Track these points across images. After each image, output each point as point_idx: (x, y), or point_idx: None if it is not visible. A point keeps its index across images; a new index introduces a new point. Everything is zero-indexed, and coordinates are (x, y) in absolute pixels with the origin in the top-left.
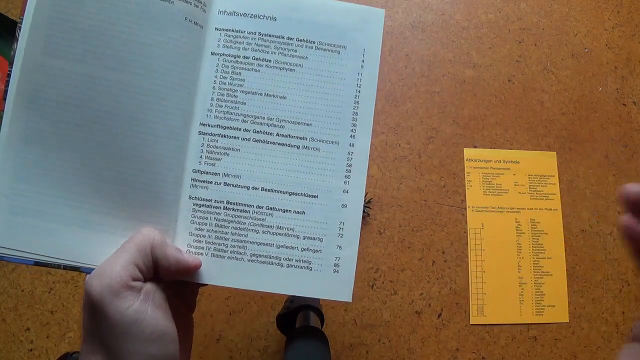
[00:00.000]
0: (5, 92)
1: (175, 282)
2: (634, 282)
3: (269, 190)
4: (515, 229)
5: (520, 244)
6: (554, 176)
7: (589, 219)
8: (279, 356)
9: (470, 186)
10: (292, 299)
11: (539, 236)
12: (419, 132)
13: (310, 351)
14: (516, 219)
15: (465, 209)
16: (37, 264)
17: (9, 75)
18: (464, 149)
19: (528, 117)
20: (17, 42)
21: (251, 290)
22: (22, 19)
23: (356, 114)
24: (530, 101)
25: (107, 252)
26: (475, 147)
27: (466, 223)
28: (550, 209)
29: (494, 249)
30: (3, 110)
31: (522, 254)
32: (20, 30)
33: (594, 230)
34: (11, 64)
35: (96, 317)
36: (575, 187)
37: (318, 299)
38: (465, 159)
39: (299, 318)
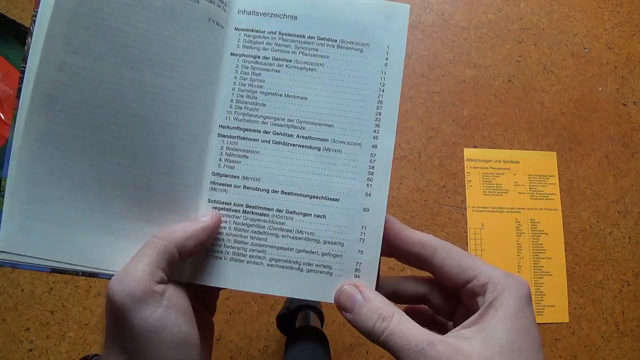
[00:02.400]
0: (19, 90)
1: (196, 287)
2: (634, 282)
3: (289, 194)
4: (515, 229)
5: (520, 244)
6: (554, 176)
7: (589, 219)
8: (279, 356)
9: (470, 186)
10: (292, 299)
11: (539, 236)
12: (419, 132)
13: (310, 351)
14: (516, 219)
15: (465, 209)
16: (54, 270)
17: (23, 73)
18: (464, 149)
19: (528, 117)
20: (32, 36)
21: (269, 295)
22: (37, 12)
23: (379, 114)
24: (530, 101)
25: (125, 257)
26: (475, 147)
27: (466, 223)
28: (550, 209)
29: (494, 249)
30: (17, 109)
31: (522, 254)
32: (34, 24)
33: (594, 230)
34: (25, 59)
35: (118, 323)
36: (575, 187)
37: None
38: (465, 159)
39: (299, 318)
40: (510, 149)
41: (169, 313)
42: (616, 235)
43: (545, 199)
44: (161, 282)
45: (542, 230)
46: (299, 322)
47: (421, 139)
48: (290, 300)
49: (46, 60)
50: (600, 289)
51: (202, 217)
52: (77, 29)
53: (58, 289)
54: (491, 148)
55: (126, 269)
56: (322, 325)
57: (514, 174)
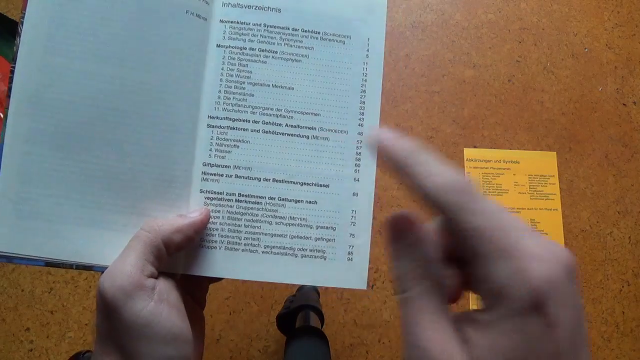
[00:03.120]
0: (9, 89)
1: (187, 279)
2: (634, 282)
3: (280, 181)
4: None
5: None
6: (554, 176)
7: (589, 219)
8: (279, 356)
9: None
10: (292, 299)
11: None
12: (419, 132)
13: (310, 351)
14: None
15: None
16: (48, 264)
17: (12, 72)
18: (464, 149)
19: (528, 117)
20: (20, 37)
21: (265, 282)
22: (24, 14)
23: (363, 102)
24: (530, 101)
25: (119, 250)
26: (475, 147)
27: None
28: (550, 209)
29: None
30: (7, 108)
31: None
32: (22, 25)
33: (594, 230)
34: (14, 59)
35: (110, 318)
36: (575, 187)
37: (318, 299)
38: (465, 159)
39: (299, 318)
40: (510, 149)
41: (161, 307)
42: (616, 235)
43: (545, 199)
44: (151, 276)
45: (542, 230)
46: (299, 322)
47: (421, 139)
48: (290, 300)
49: (29, 62)
50: (600, 289)
51: (192, 213)
52: (57, 31)
53: (58, 289)
54: (491, 148)
55: (116, 264)
56: (322, 325)
57: (514, 174)
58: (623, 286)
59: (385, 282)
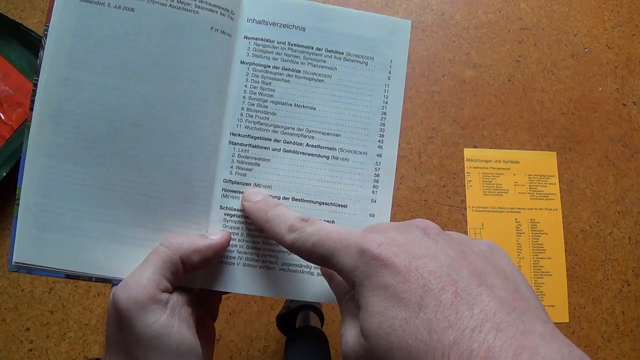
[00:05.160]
0: (32, 102)
1: (201, 292)
2: (634, 282)
3: (299, 200)
4: (515, 229)
5: (520, 244)
6: (554, 176)
7: (589, 219)
8: (279, 356)
9: (470, 186)
10: (292, 299)
11: (539, 236)
12: (419, 132)
13: (311, 351)
14: (516, 219)
15: (465, 209)
16: (68, 276)
17: (35, 85)
18: (464, 149)
19: (528, 117)
20: (43, 50)
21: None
22: (48, 26)
23: (383, 124)
24: (530, 101)
25: (137, 265)
26: (475, 147)
27: (466, 223)
28: (550, 209)
29: None
30: (30, 121)
31: (522, 254)
32: (46, 38)
33: (594, 230)
34: (37, 72)
35: (122, 329)
36: (575, 187)
37: None
38: (465, 159)
39: (299, 318)
40: (510, 149)
41: (172, 321)
42: (616, 235)
43: (545, 199)
44: (165, 290)
45: (542, 230)
46: (299, 322)
47: (421, 139)
48: (290, 300)
49: (51, 76)
50: (600, 289)
51: (213, 235)
52: (79, 45)
53: (58, 289)
54: (491, 148)
55: (132, 276)
56: (322, 325)
57: (514, 174)
58: (623, 286)
59: None
